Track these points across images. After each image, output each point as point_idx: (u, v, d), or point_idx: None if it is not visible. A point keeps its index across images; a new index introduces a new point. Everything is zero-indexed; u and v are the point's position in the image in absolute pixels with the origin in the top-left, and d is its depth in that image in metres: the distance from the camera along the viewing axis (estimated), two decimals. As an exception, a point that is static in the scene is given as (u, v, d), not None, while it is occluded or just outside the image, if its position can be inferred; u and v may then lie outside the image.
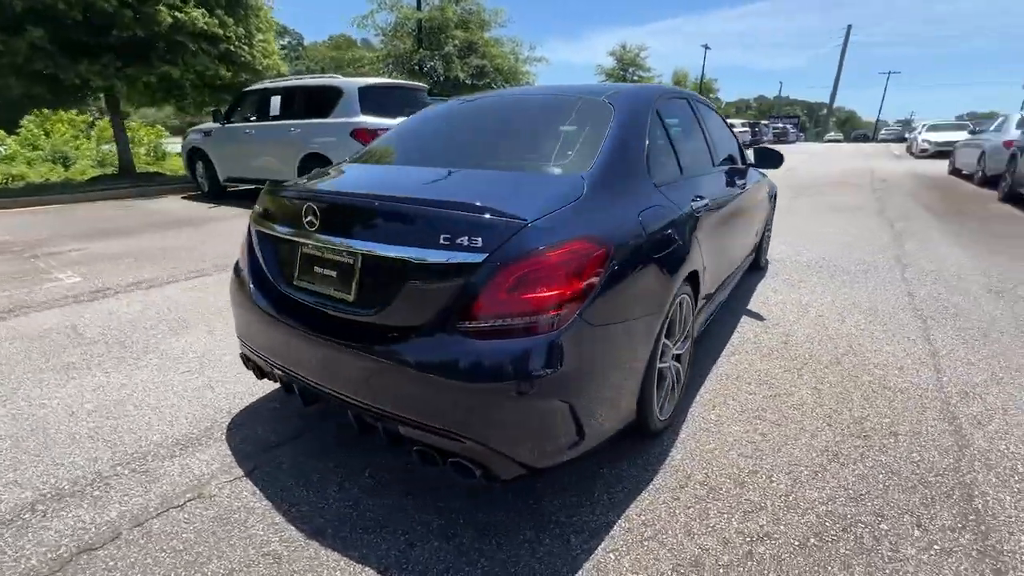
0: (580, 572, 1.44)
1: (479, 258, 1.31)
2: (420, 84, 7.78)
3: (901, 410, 2.25)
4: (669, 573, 1.44)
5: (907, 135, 32.68)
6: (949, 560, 1.47)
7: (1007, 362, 2.68)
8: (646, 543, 1.54)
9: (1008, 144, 8.86)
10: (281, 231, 1.73)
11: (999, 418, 2.18)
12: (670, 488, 1.77)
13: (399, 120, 6.93)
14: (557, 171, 1.75)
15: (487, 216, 1.36)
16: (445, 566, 1.46)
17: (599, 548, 1.52)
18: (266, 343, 1.80)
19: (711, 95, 39.38)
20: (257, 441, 2.05)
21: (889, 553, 1.50)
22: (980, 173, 10.36)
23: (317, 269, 1.63)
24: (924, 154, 19.35)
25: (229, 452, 1.98)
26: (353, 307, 1.53)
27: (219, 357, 2.78)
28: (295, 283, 1.70)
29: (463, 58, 15.48)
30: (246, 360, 2.01)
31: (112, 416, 2.23)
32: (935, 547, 1.52)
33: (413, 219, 1.43)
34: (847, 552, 1.50)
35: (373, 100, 6.65)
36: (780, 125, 37.78)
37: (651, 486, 1.79)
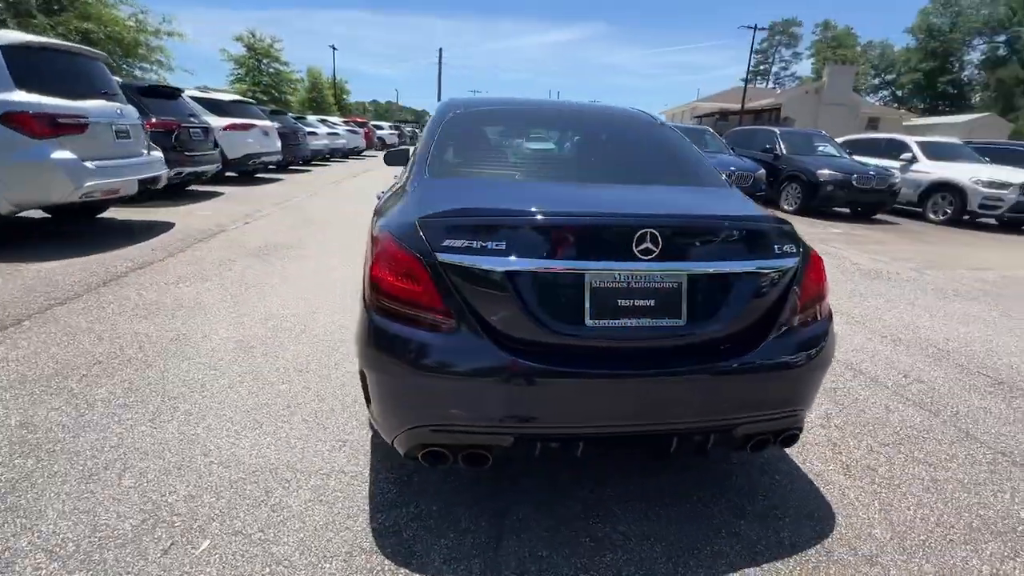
0: (824, 486, 1.95)
1: (795, 261, 1.59)
2: (94, 51, 5.28)
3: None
4: (861, 460, 2.13)
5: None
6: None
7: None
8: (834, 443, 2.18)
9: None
10: (559, 265, 1.39)
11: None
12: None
13: (90, 104, 4.61)
14: (715, 184, 2.05)
15: (783, 226, 1.62)
16: (792, 532, 1.69)
17: (824, 470, 2.05)
18: (528, 409, 1.42)
19: (345, 96, 40.27)
20: (474, 548, 1.54)
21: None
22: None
23: (623, 301, 1.44)
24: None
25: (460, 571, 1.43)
26: (685, 330, 1.48)
27: (209, 491, 1.66)
28: (589, 322, 1.42)
29: (52, 14, 10.58)
30: (444, 452, 1.46)
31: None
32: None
33: (741, 234, 1.53)
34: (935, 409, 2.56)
35: (32, 69, 4.21)
36: (410, 128, 42.46)
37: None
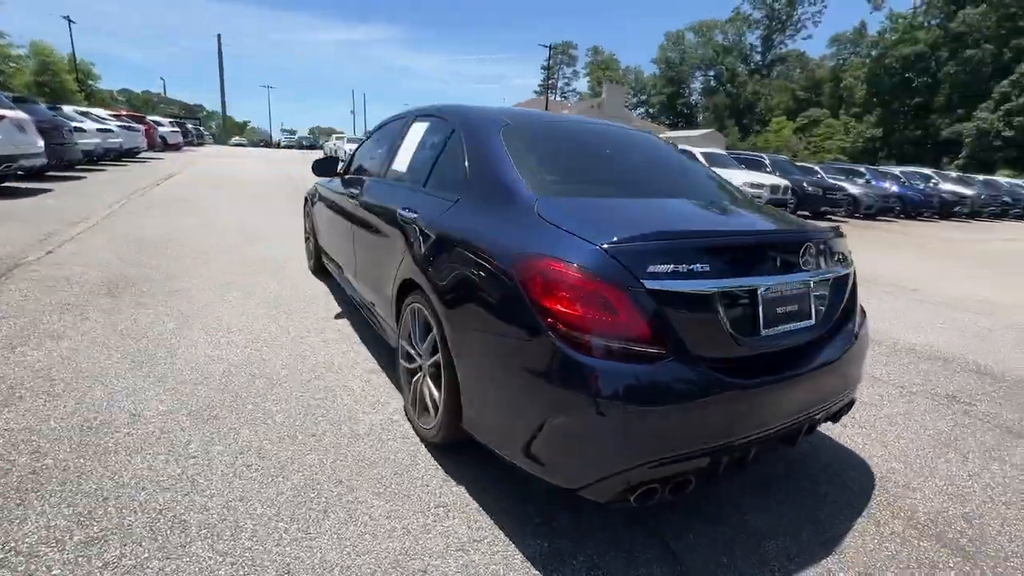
0: (838, 438, 2.40)
1: (854, 263, 1.95)
2: None
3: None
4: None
5: (323, 143, 39.15)
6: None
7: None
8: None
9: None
10: (749, 281, 1.46)
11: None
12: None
13: None
14: (751, 199, 2.31)
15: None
16: (858, 482, 2.04)
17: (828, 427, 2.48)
18: (732, 424, 1.46)
19: (93, 82, 31.80)
20: (664, 572, 1.49)
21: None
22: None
23: (780, 309, 1.57)
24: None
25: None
26: (816, 329, 1.68)
27: None
28: (763, 332, 1.51)
29: None
30: (657, 487, 1.40)
31: None
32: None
33: (839, 244, 1.80)
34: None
35: None
36: (191, 125, 35.97)
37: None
